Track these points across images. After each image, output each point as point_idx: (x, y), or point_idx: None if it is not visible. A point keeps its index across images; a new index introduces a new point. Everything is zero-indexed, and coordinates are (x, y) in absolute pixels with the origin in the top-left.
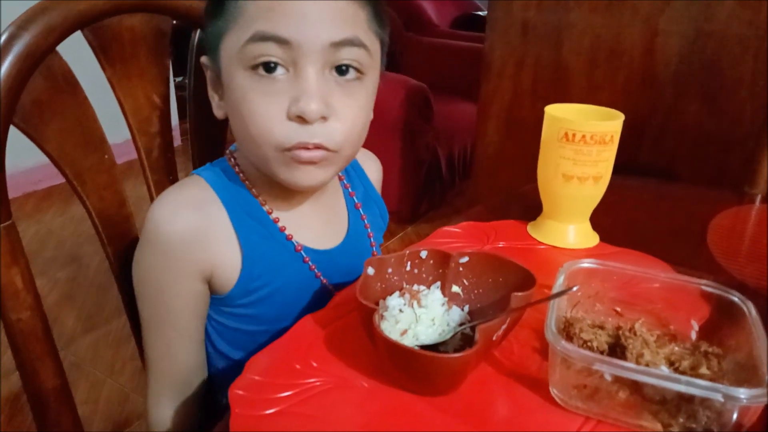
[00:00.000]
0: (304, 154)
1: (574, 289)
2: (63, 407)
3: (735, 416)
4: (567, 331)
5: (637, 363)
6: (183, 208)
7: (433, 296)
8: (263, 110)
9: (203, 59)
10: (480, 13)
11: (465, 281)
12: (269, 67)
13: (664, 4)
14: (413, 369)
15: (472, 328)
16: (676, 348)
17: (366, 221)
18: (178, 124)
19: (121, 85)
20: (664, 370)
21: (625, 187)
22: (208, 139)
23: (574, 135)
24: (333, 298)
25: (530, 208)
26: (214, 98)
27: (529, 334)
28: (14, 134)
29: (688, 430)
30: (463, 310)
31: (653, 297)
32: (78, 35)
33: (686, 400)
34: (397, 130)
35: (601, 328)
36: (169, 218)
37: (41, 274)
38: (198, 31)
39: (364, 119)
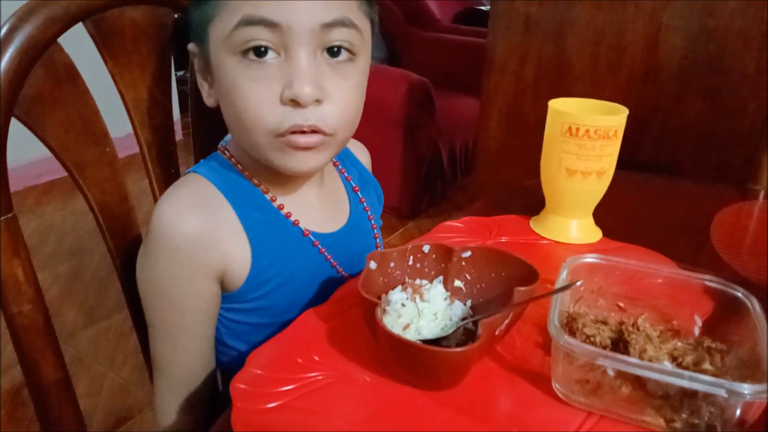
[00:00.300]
0: (301, 140)
1: (577, 284)
2: (64, 400)
3: (738, 412)
4: (570, 326)
5: (640, 358)
6: (189, 209)
7: (436, 291)
8: (255, 96)
9: (190, 47)
10: (482, 7)
11: (467, 276)
12: (259, 52)
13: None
14: (415, 363)
15: (475, 323)
16: (679, 343)
17: (365, 204)
18: (180, 117)
19: (123, 78)
20: (667, 365)
21: (628, 182)
22: (209, 133)
23: (577, 129)
24: (335, 292)
25: (532, 203)
26: (204, 86)
27: (531, 329)
28: (16, 128)
29: (691, 425)
30: (465, 304)
31: (656, 292)
32: (79, 27)
33: (689, 395)
34: (399, 125)
35: (604, 323)
36: (176, 221)
37: (42, 268)
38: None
39: (358, 101)
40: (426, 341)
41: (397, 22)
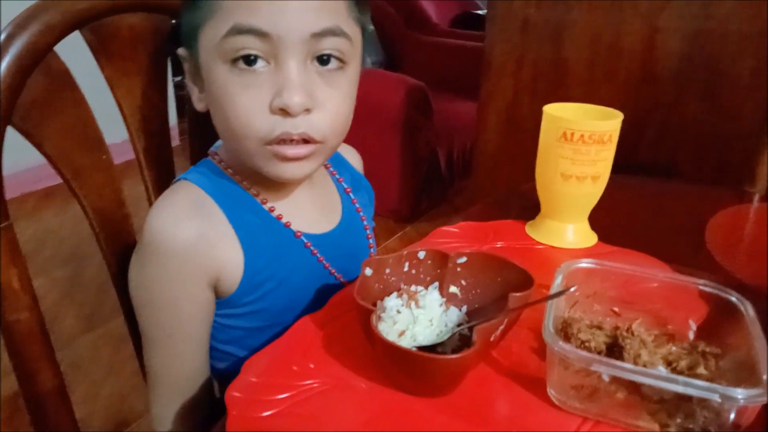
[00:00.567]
0: (289, 152)
1: (572, 289)
2: (60, 409)
3: (732, 416)
4: (565, 331)
5: (635, 363)
6: (181, 216)
7: (431, 297)
8: (245, 104)
9: (180, 51)
10: (479, 11)
11: (463, 281)
12: (249, 60)
13: (664, 2)
14: (411, 370)
15: (470, 329)
16: (674, 348)
17: (357, 205)
18: (177, 123)
19: (120, 85)
20: (662, 370)
21: (623, 186)
22: (206, 138)
23: (572, 134)
24: (331, 298)
25: (528, 207)
26: (194, 91)
27: (527, 334)
28: (13, 134)
29: (686, 430)
30: (461, 310)
31: (651, 297)
32: (75, 35)
33: (684, 400)
34: (397, 128)
35: (599, 328)
36: (170, 229)
37: (40, 274)
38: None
39: (348, 108)
40: (422, 348)
41: (395, 26)
